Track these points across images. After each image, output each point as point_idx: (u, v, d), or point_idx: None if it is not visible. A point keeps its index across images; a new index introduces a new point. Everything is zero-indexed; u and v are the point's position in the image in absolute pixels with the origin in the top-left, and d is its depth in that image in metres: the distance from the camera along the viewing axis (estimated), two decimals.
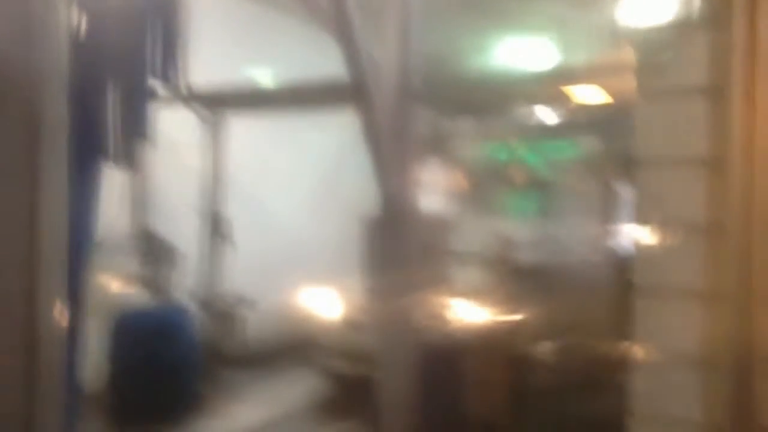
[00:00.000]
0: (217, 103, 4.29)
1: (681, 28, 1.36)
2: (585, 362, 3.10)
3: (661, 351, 1.42)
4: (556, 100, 4.07)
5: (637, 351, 1.47)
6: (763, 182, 1.28)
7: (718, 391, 1.34)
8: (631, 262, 1.47)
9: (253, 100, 4.37)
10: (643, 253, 1.46)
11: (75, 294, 1.62)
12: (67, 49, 1.13)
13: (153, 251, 3.92)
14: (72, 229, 1.10)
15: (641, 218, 1.48)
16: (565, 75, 4.03)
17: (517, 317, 3.27)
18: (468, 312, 3.28)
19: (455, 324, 3.23)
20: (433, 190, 3.97)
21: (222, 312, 4.30)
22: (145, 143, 2.14)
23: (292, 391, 4.11)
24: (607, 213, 3.77)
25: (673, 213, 1.43)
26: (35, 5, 1.06)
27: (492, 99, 4.36)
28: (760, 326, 1.31)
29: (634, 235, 1.47)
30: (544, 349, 3.29)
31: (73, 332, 1.56)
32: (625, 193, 3.68)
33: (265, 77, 4.48)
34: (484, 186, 4.25)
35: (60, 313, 1.12)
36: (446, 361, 3.12)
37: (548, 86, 4.00)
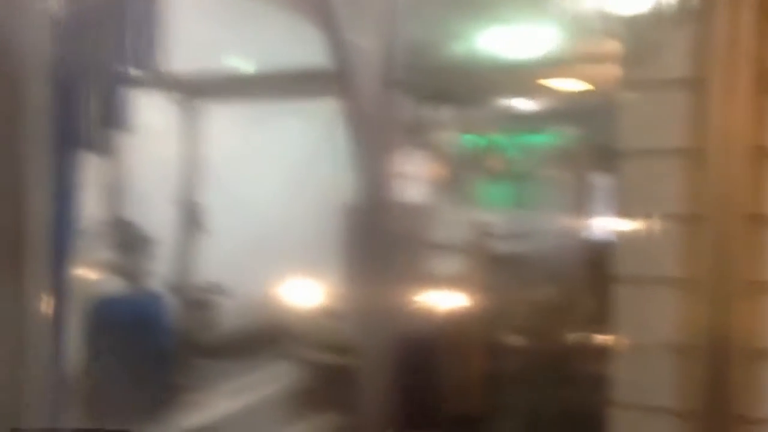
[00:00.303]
0: (194, 90, 4.25)
1: (665, 18, 1.37)
2: (563, 351, 3.15)
3: (641, 339, 1.45)
4: (537, 90, 4.10)
5: (617, 339, 1.49)
6: (741, 173, 1.31)
7: (695, 378, 1.37)
8: (608, 252, 1.50)
9: (230, 87, 4.34)
10: (623, 242, 1.49)
11: (60, 284, 1.61)
12: (50, 34, 1.13)
13: (127, 239, 3.89)
14: (55, 218, 1.10)
15: (621, 208, 1.51)
16: (546, 65, 4.06)
17: (495, 306, 3.31)
18: (446, 301, 3.31)
19: (433, 313, 3.26)
20: (412, 178, 3.98)
21: (197, 300, 4.28)
22: (124, 131, 2.13)
23: (268, 381, 4.11)
24: (585, 203, 3.82)
25: (653, 203, 1.45)
26: None
27: (472, 88, 4.37)
28: (736, 315, 1.34)
29: (614, 225, 1.50)
30: (522, 337, 3.33)
31: (58, 322, 1.55)
32: (603, 183, 3.73)
33: (243, 64, 4.44)
34: (462, 175, 4.28)
35: (46, 304, 1.12)
36: (424, 350, 3.15)
37: (529, 76, 4.03)
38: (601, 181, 3.74)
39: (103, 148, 2.16)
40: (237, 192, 4.79)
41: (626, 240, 1.51)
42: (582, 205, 3.80)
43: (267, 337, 4.46)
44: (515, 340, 3.30)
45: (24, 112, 1.05)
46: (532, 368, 3.25)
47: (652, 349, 1.43)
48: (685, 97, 1.34)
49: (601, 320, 1.64)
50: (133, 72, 2.08)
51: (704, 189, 1.32)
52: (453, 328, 3.21)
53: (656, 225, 1.42)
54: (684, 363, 1.40)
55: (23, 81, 1.05)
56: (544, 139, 4.24)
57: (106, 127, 2.06)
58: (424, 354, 3.08)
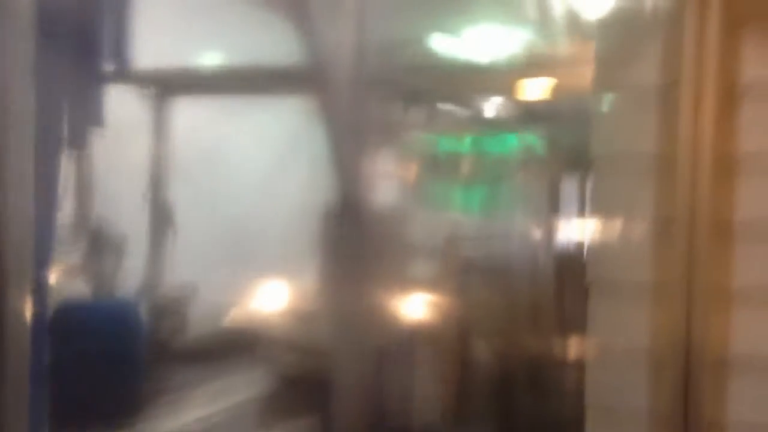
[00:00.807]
0: (165, 87, 4.23)
1: (637, 27, 1.42)
2: (535, 355, 3.19)
3: (613, 345, 1.49)
4: (510, 92, 4.14)
5: (590, 345, 1.53)
6: (708, 181, 1.36)
7: (668, 384, 1.42)
8: (579, 258, 1.53)
9: (203, 83, 4.34)
10: (595, 249, 1.52)
11: (41, 286, 1.60)
12: (33, 31, 1.11)
13: (98, 241, 3.85)
14: (36, 219, 1.09)
15: (594, 213, 1.54)
16: (519, 67, 4.10)
17: (465, 309, 3.34)
18: (418, 306, 3.34)
19: (406, 318, 3.29)
20: (384, 179, 4.00)
21: (167, 304, 4.26)
22: (99, 129, 2.12)
23: (242, 386, 4.10)
24: (557, 208, 3.87)
25: (624, 209, 1.49)
26: None
27: (443, 90, 4.40)
28: (706, 322, 1.38)
29: (586, 231, 1.53)
30: (493, 341, 3.37)
31: (38, 326, 1.53)
32: (575, 188, 3.78)
33: (214, 61, 4.43)
34: (433, 179, 4.31)
35: (28, 307, 1.12)
36: (396, 354, 3.18)
37: (502, 78, 4.07)
38: (572, 185, 3.80)
39: (81, 146, 2.15)
40: (209, 192, 4.78)
41: (599, 247, 1.55)
42: (554, 209, 3.85)
43: (240, 341, 4.45)
44: (486, 344, 3.34)
45: (8, 112, 1.05)
46: (504, 371, 3.29)
47: (627, 354, 1.48)
48: (656, 103, 1.39)
49: (572, 324, 1.68)
50: (107, 68, 2.07)
51: (673, 196, 1.36)
52: (425, 332, 3.24)
53: (628, 231, 1.46)
54: (657, 368, 1.44)
55: (6, 80, 1.05)
56: (516, 142, 4.29)
57: (84, 125, 2.05)
58: (396, 357, 3.12)
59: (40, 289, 1.66)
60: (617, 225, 1.48)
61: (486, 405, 3.20)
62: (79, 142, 2.18)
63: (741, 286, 1.37)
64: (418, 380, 3.22)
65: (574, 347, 1.56)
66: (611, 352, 1.45)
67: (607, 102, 1.47)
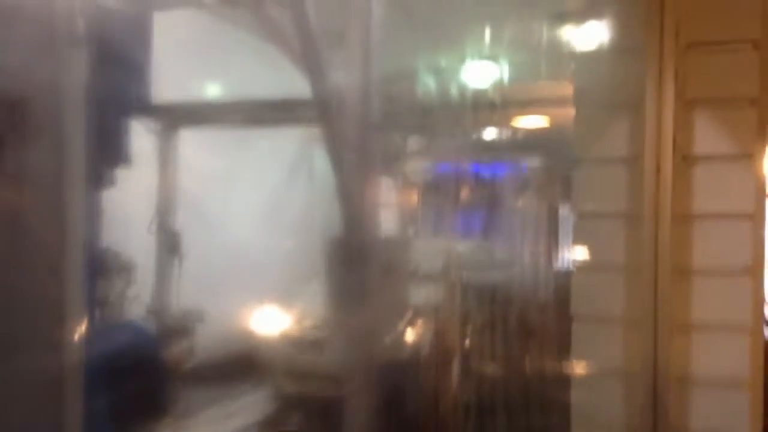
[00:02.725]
0: (172, 119, 4.54)
1: (608, 106, 1.80)
2: (531, 377, 3.52)
3: (595, 366, 1.86)
4: (505, 122, 4.50)
5: (575, 367, 1.90)
6: (669, 231, 1.73)
7: (639, 397, 1.79)
8: (566, 285, 1.89)
9: (209, 116, 4.64)
10: (577, 283, 1.89)
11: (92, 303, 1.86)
12: (86, 64, 1.21)
13: (108, 268, 4.13)
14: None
15: (577, 253, 1.91)
16: (514, 98, 4.44)
17: (464, 333, 3.65)
18: (421, 330, 3.64)
19: (409, 342, 3.58)
20: (386, 207, 4.32)
21: (174, 329, 4.54)
22: (125, 164, 2.35)
23: (245, 409, 4.36)
24: (551, 233, 4.22)
25: (600, 253, 1.86)
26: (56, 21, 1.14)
27: (442, 120, 4.73)
28: (669, 346, 1.75)
29: (572, 261, 1.89)
30: (491, 363, 3.69)
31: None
32: (565, 213, 4.13)
33: (220, 94, 4.75)
34: (434, 205, 4.64)
35: (84, 321, 1.24)
36: (399, 377, 3.44)
37: (497, 109, 4.43)
38: (565, 211, 4.14)
39: (110, 183, 2.37)
40: (215, 221, 5.07)
41: (581, 281, 1.92)
42: (548, 234, 4.20)
43: (245, 365, 4.72)
44: (485, 367, 3.66)
45: (64, 137, 1.14)
46: (502, 392, 3.61)
47: (605, 373, 1.84)
48: (623, 173, 1.78)
49: (563, 347, 2.03)
50: (130, 104, 2.30)
51: (640, 245, 1.74)
52: (428, 354, 3.54)
53: (603, 270, 1.83)
54: (630, 386, 1.81)
55: (64, 108, 1.14)
56: (512, 170, 4.64)
57: (112, 162, 2.27)
58: (398, 380, 3.39)
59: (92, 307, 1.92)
60: (595, 265, 1.86)
61: (485, 422, 3.51)
62: (108, 179, 2.40)
63: (697, 317, 1.75)
64: (419, 399, 3.52)
65: (561, 366, 1.92)
66: (592, 371, 1.83)
67: (585, 166, 1.85)
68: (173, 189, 4.68)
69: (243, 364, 4.67)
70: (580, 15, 1.86)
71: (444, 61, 4.58)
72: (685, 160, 1.72)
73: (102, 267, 4.10)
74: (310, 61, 2.69)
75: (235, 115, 4.65)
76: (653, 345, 1.73)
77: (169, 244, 4.64)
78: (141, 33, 2.48)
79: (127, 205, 4.42)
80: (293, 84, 2.75)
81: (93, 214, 2.16)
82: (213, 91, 4.87)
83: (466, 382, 3.58)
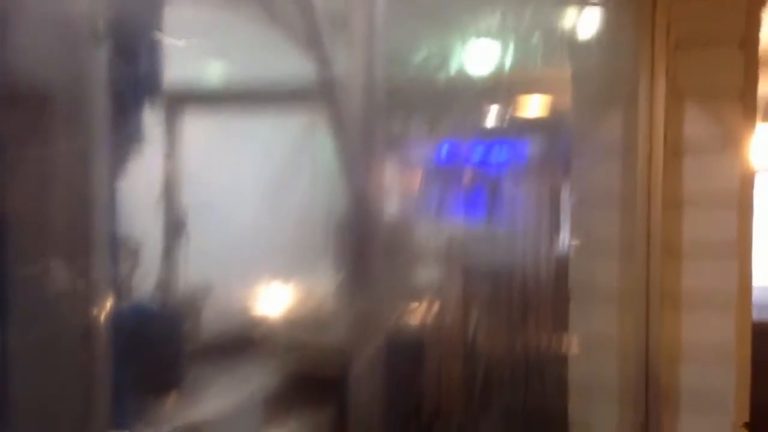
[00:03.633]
0: (176, 100, 4.68)
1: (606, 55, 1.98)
2: (532, 352, 3.72)
3: (591, 340, 2.06)
4: (507, 104, 4.66)
5: (573, 341, 2.10)
6: (660, 213, 1.92)
7: (632, 367, 1.99)
8: (565, 264, 2.08)
9: (214, 97, 4.78)
10: (575, 263, 2.09)
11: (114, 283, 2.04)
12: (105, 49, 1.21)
13: (114, 249, 4.32)
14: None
15: (574, 234, 2.10)
16: (515, 80, 4.59)
17: (468, 314, 3.84)
18: (425, 310, 3.83)
19: (414, 322, 3.77)
20: (392, 190, 4.49)
21: (181, 307, 4.72)
22: (140, 146, 2.51)
23: (249, 386, 4.57)
24: (553, 215, 4.40)
25: (596, 234, 2.06)
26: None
27: (444, 101, 4.89)
28: (660, 318, 1.96)
29: (570, 242, 2.08)
30: (495, 343, 3.89)
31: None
32: (566, 194, 4.31)
33: (225, 74, 4.88)
34: (437, 187, 4.81)
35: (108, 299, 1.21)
36: (405, 358, 3.63)
37: (499, 90, 4.58)
38: (564, 195, 4.31)
39: (126, 162, 2.55)
40: (221, 200, 5.21)
41: (577, 259, 2.12)
42: (549, 216, 4.37)
43: (252, 342, 4.90)
44: (488, 346, 3.86)
45: (89, 124, 1.13)
46: (505, 366, 3.81)
47: (600, 347, 2.05)
48: (618, 158, 1.97)
49: (562, 326, 2.23)
50: (144, 85, 2.44)
51: (633, 225, 1.94)
52: (432, 334, 3.73)
53: (598, 248, 2.03)
54: (623, 359, 2.01)
55: (86, 94, 1.13)
56: (515, 152, 4.81)
57: (129, 142, 2.43)
58: (405, 361, 3.57)
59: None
60: (592, 247, 2.05)
61: (488, 401, 3.71)
62: (125, 159, 2.56)
63: (687, 294, 1.95)
64: (424, 376, 3.71)
65: (560, 340, 2.12)
66: (588, 344, 2.03)
67: (582, 154, 2.04)
68: (179, 169, 4.83)
69: (249, 342, 4.85)
70: (578, 16, 2.04)
71: (447, 43, 4.72)
72: (675, 149, 1.91)
73: (120, 249, 4.30)
74: (313, 43, 2.82)
75: (239, 97, 4.77)
76: (645, 319, 1.93)
77: (175, 224, 4.80)
78: (152, 14, 2.63)
79: (133, 185, 4.59)
80: (297, 67, 2.89)
81: (114, 198, 2.31)
82: (217, 73, 5.00)
83: (470, 360, 3.76)
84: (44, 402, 1.01)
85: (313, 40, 2.80)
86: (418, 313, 3.80)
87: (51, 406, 1.01)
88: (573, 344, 2.04)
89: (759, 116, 3.41)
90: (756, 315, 2.05)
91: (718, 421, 1.88)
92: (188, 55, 4.28)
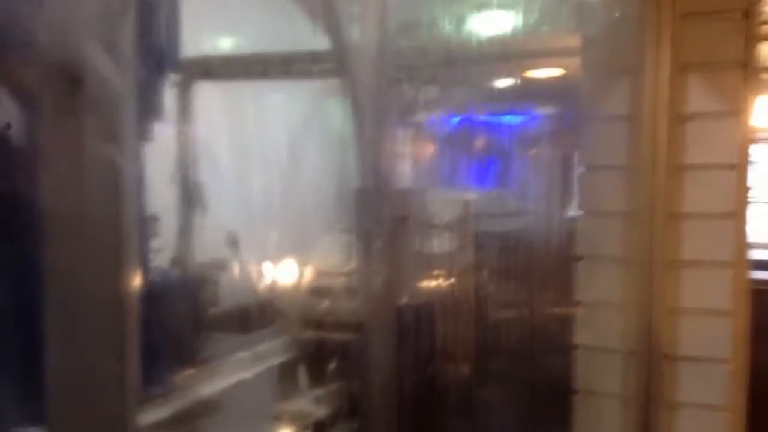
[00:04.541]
0: (190, 72, 4.81)
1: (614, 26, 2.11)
2: (540, 315, 3.89)
3: (596, 299, 2.21)
4: (519, 72, 4.76)
5: (580, 301, 2.25)
6: (664, 181, 2.05)
7: (634, 326, 2.14)
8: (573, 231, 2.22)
9: (227, 69, 4.91)
10: (582, 227, 2.23)
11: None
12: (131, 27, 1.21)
13: (146, 222, 4.46)
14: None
15: (581, 201, 2.25)
16: (528, 49, 4.68)
17: (480, 281, 3.98)
18: (438, 277, 3.98)
19: (427, 290, 3.92)
20: (404, 159, 4.61)
21: (198, 279, 4.88)
22: (161, 120, 2.60)
23: (265, 355, 4.73)
24: (565, 182, 4.53)
25: (603, 200, 2.20)
26: None
27: (455, 70, 4.99)
28: (662, 282, 2.10)
29: (578, 208, 2.22)
30: (507, 311, 4.04)
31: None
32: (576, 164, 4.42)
33: (236, 46, 4.99)
34: (449, 155, 4.94)
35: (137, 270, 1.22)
36: (419, 322, 3.77)
37: (510, 59, 4.69)
38: (574, 161, 4.43)
39: (148, 139, 2.63)
40: (235, 171, 5.36)
41: (584, 224, 2.26)
42: (560, 184, 4.50)
43: (267, 312, 5.06)
44: (500, 313, 4.02)
45: (117, 101, 1.13)
46: (516, 337, 3.97)
47: (605, 308, 2.20)
48: (623, 128, 2.10)
49: (568, 285, 2.38)
50: (164, 60, 2.51)
51: (638, 191, 2.08)
52: (445, 302, 3.87)
53: (604, 215, 2.17)
54: (626, 320, 2.16)
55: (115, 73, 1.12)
56: (526, 120, 4.92)
57: (149, 117, 2.49)
58: (416, 325, 3.72)
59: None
60: (599, 212, 2.20)
61: (500, 366, 3.87)
62: (146, 135, 2.66)
63: (688, 254, 2.09)
64: (437, 344, 3.86)
65: (568, 300, 2.27)
66: (594, 303, 2.18)
67: (591, 122, 2.18)
68: (193, 141, 4.97)
69: (264, 312, 5.01)
70: None
71: (458, 10, 4.81)
72: (679, 117, 2.04)
73: (145, 222, 4.44)
74: (325, 12, 2.92)
75: (252, 68, 4.89)
76: (648, 280, 2.07)
77: (191, 196, 4.95)
78: None
79: (149, 157, 4.72)
80: (309, 36, 2.98)
81: (140, 173, 2.42)
82: (230, 44, 5.11)
83: (482, 325, 3.91)
84: (78, 372, 1.04)
85: (326, 9, 2.91)
86: (430, 280, 3.95)
87: (84, 376, 1.04)
88: (580, 303, 2.19)
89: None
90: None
91: (717, 369, 2.04)
92: (200, 25, 4.41)
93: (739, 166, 2.00)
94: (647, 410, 2.06)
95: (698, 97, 2.02)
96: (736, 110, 1.99)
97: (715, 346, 2.06)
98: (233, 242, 4.98)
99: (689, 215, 2.04)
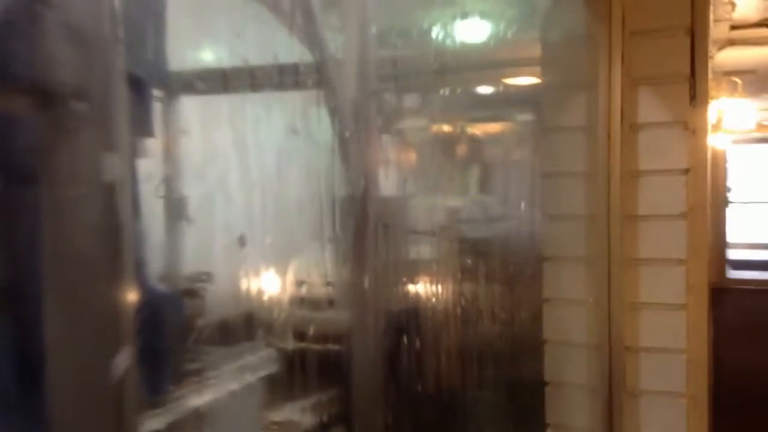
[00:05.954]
0: (174, 85, 5.01)
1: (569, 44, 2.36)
2: (522, 322, 4.10)
3: (561, 297, 2.46)
4: (498, 79, 5.00)
5: (546, 298, 2.50)
6: (618, 186, 2.32)
7: (597, 320, 2.40)
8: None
9: (211, 82, 5.11)
10: (547, 230, 2.49)
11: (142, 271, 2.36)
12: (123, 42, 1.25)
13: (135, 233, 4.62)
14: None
15: (546, 206, 2.50)
16: (504, 55, 4.91)
17: (463, 286, 4.20)
18: (421, 283, 4.20)
19: (411, 295, 4.13)
20: (386, 166, 4.83)
21: (184, 292, 5.06)
22: (151, 138, 2.74)
23: (252, 367, 4.89)
24: (531, 189, 4.75)
25: (565, 205, 2.46)
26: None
27: (436, 78, 5.21)
28: (620, 278, 2.36)
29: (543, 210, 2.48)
30: (489, 315, 4.26)
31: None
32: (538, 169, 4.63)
33: (220, 59, 5.20)
34: (430, 162, 5.16)
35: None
36: (402, 331, 3.96)
37: (490, 66, 4.93)
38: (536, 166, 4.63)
39: (140, 157, 2.76)
40: (219, 183, 5.53)
41: (550, 226, 2.52)
42: (529, 189, 4.71)
43: (253, 324, 5.21)
44: (480, 315, 4.23)
45: (108, 118, 1.16)
46: (497, 339, 4.18)
47: (572, 305, 2.46)
48: (581, 139, 2.37)
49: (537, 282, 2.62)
50: (152, 76, 2.63)
51: (595, 197, 2.34)
52: (428, 308, 4.08)
53: (566, 218, 2.43)
54: (591, 315, 2.42)
55: (99, 88, 1.15)
56: (506, 126, 5.17)
57: (140, 136, 2.62)
58: (401, 332, 3.90)
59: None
60: (561, 215, 2.46)
61: (482, 369, 4.08)
62: (138, 154, 2.82)
63: (643, 253, 2.35)
64: (421, 351, 4.06)
65: (535, 298, 2.52)
66: (559, 301, 2.44)
67: (550, 133, 2.44)
68: (178, 154, 5.15)
69: (251, 323, 5.18)
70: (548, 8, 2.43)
71: (435, 20, 5.03)
72: (632, 127, 2.29)
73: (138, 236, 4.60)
74: (305, 23, 3.11)
75: (235, 81, 5.10)
76: (608, 277, 2.32)
77: (176, 208, 5.14)
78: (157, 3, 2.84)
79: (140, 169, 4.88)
80: (290, 48, 3.17)
81: (135, 189, 2.54)
82: (213, 57, 5.32)
83: (466, 329, 4.11)
84: (76, 380, 1.09)
85: (304, 20, 3.08)
86: (414, 286, 4.15)
87: (83, 384, 1.10)
88: (548, 301, 2.45)
89: (729, 92, 3.82)
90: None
91: (674, 359, 2.30)
92: (183, 40, 4.62)
93: (694, 170, 2.25)
94: (611, 398, 2.31)
95: (648, 108, 2.28)
96: (683, 119, 2.25)
97: (671, 338, 2.31)
98: (220, 254, 5.18)
99: (644, 217, 2.30)
